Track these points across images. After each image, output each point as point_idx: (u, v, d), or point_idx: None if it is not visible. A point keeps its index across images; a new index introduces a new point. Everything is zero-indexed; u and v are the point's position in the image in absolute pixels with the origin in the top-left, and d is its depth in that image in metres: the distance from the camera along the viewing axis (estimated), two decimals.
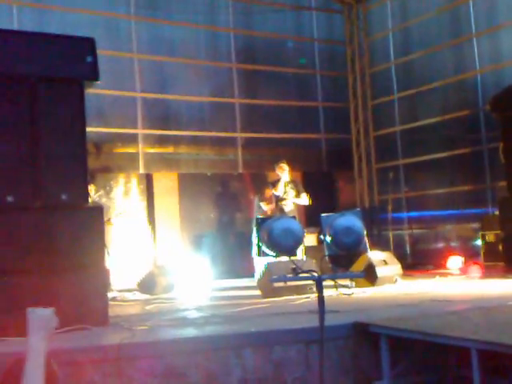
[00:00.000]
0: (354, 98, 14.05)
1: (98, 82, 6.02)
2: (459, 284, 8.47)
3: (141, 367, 4.54)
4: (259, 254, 8.97)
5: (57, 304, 5.25)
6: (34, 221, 5.59)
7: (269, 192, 10.39)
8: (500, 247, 9.26)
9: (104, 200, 10.83)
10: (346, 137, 14.00)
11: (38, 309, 3.47)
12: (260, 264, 8.77)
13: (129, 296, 8.52)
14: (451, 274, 9.81)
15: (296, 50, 13.71)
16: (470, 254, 10.46)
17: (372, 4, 13.93)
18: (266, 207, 10.21)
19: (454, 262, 10.40)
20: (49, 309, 3.45)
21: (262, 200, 10.51)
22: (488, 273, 9.22)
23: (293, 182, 10.04)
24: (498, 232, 9.33)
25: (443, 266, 10.58)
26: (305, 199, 9.92)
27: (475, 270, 9.46)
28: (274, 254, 8.38)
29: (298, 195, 9.97)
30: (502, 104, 9.33)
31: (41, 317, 3.39)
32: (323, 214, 8.89)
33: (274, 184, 9.97)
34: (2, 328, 4.96)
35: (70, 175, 5.80)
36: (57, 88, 5.80)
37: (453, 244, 11.95)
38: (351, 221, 8.58)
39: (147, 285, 8.77)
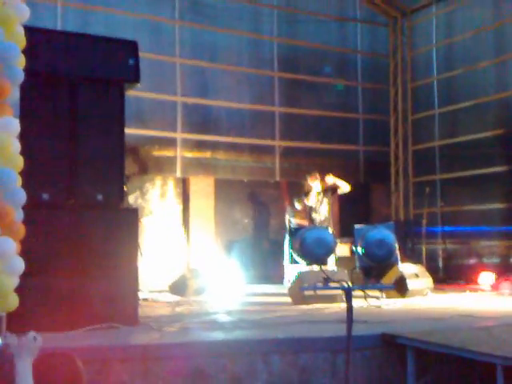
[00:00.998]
0: (394, 111, 13.99)
1: (139, 85, 6.10)
2: (489, 300, 8.43)
3: (168, 367, 4.59)
4: (291, 262, 9.02)
5: (87, 302, 5.40)
6: (68, 220, 5.61)
7: (300, 204, 10.47)
8: None
9: (139, 201, 10.95)
10: (385, 149, 13.94)
11: (15, 335, 3.50)
12: (291, 272, 8.80)
13: (159, 297, 8.59)
14: (482, 290, 9.75)
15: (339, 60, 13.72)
16: (502, 271, 10.37)
17: (417, 18, 13.89)
18: (298, 221, 10.29)
19: (486, 278, 10.33)
20: (30, 333, 3.50)
21: (293, 214, 10.59)
22: None
23: (326, 190, 10.03)
24: None
25: (475, 282, 10.51)
26: (345, 187, 9.91)
27: (506, 287, 9.40)
28: (305, 263, 8.41)
29: (329, 203, 10.00)
30: None
31: (25, 342, 3.43)
32: (357, 226, 8.90)
33: (306, 194, 10.00)
34: (33, 324, 5.01)
35: (107, 176, 5.85)
36: (97, 89, 5.88)
37: (485, 260, 11.85)
38: (384, 233, 8.59)
39: (179, 287, 8.85)
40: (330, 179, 9.97)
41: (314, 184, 9.91)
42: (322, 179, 9.98)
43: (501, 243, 11.58)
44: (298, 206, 10.64)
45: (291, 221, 10.62)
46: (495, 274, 10.35)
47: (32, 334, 3.41)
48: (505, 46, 12.01)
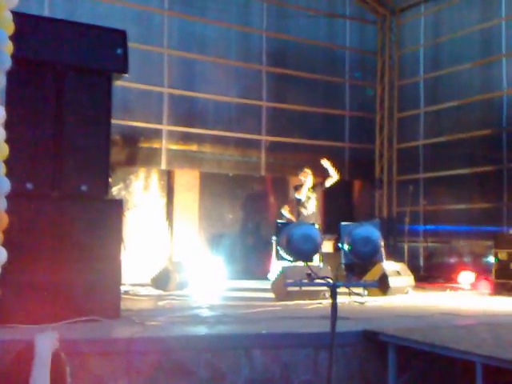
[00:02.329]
0: (380, 109, 14.03)
1: (127, 75, 6.05)
2: (469, 299, 8.52)
3: (150, 362, 4.57)
4: (277, 258, 9.03)
5: (69, 295, 5.35)
6: (52, 210, 5.54)
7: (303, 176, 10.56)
8: (511, 265, 9.30)
9: (123, 193, 10.89)
10: (370, 147, 13.99)
11: (46, 334, 3.49)
12: (276, 267, 8.80)
13: (142, 291, 8.55)
14: (462, 289, 9.90)
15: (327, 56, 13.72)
16: (482, 271, 10.50)
17: (406, 17, 13.94)
18: (290, 215, 10.39)
19: (466, 277, 10.50)
20: (53, 333, 3.49)
21: (286, 208, 10.66)
22: (498, 290, 9.25)
23: (315, 186, 10.15)
24: (511, 250, 9.36)
25: (455, 281, 10.64)
26: (334, 175, 10.14)
27: (485, 286, 9.55)
28: (291, 259, 8.42)
29: (318, 198, 10.11)
30: None
31: (48, 342, 3.44)
32: (343, 223, 8.91)
33: (297, 188, 10.09)
34: (17, 316, 4.99)
35: (92, 166, 5.79)
36: (84, 78, 5.81)
37: (465, 259, 11.99)
38: (370, 231, 8.60)
39: (161, 280, 8.81)
40: (326, 163, 10.08)
41: (307, 179, 9.98)
42: (313, 174, 10.06)
43: (481, 243, 11.67)
44: (285, 213, 10.70)
45: (282, 213, 10.67)
46: (475, 273, 10.48)
47: (55, 333, 3.41)
48: (491, 46, 12.09)
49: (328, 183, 10.25)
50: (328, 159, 10.23)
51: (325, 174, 10.25)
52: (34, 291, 5.23)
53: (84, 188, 5.72)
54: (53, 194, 5.63)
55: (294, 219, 10.27)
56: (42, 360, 3.36)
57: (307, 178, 10.03)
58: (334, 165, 10.39)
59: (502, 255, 9.64)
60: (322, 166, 10.28)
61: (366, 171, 13.90)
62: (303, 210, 10.07)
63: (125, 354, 4.51)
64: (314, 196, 10.15)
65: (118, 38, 5.95)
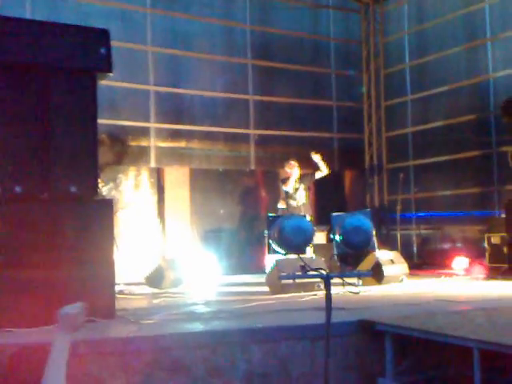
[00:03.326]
0: (367, 98, 14.04)
1: (111, 74, 6.02)
2: (463, 284, 8.52)
3: (147, 360, 4.56)
4: (269, 252, 9.03)
5: (63, 296, 5.33)
6: (42, 212, 5.51)
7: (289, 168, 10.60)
8: (505, 249, 9.35)
9: (113, 193, 10.85)
10: (359, 137, 14.01)
11: (69, 306, 3.48)
12: (270, 261, 8.81)
13: (136, 290, 8.52)
14: (456, 275, 9.90)
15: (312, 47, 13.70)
16: (476, 256, 10.53)
17: (389, 5, 13.93)
18: (284, 206, 10.42)
19: (460, 262, 10.51)
20: (78, 305, 3.47)
21: (282, 202, 10.68)
22: (492, 274, 9.30)
23: (303, 176, 10.14)
24: (504, 234, 9.42)
25: (449, 267, 10.66)
26: (324, 169, 10.13)
27: (479, 271, 9.58)
28: (284, 252, 8.42)
29: (306, 188, 10.14)
30: None
31: (70, 315, 3.42)
32: (334, 214, 8.94)
33: (284, 181, 10.11)
34: (9, 320, 4.97)
35: (80, 167, 5.75)
36: (69, 79, 5.76)
37: (459, 245, 12.02)
38: (361, 221, 8.64)
39: (155, 279, 8.77)
40: (316, 157, 10.07)
41: (293, 171, 9.99)
42: (299, 166, 10.06)
43: (473, 228, 11.72)
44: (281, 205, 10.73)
45: (278, 206, 10.69)
46: (469, 258, 10.51)
47: (80, 305, 3.39)
48: (476, 31, 12.11)
49: (318, 176, 10.28)
50: (318, 153, 10.23)
51: (315, 167, 10.27)
52: (27, 293, 5.20)
53: (73, 189, 5.69)
54: (42, 197, 5.60)
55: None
56: (56, 361, 3.34)
57: (293, 169, 10.06)
58: (324, 157, 10.41)
59: (495, 239, 9.69)
60: (311, 158, 10.30)
61: (355, 161, 13.92)
62: (292, 202, 10.10)
63: (121, 353, 4.50)
64: (302, 187, 10.16)
65: (101, 37, 5.90)
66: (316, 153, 10.19)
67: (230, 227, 12.20)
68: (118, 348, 4.53)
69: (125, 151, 11.37)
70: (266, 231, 9.19)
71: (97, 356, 4.44)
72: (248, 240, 11.88)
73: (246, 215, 12.38)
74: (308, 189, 10.40)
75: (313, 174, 10.31)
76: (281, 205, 10.71)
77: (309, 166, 10.47)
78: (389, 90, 13.94)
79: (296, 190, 10.12)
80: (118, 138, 11.26)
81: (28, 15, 10.21)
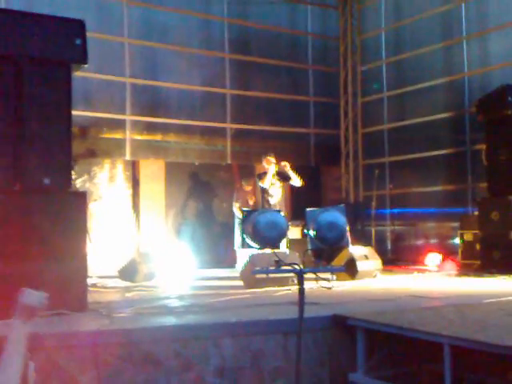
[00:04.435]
0: (344, 94, 14.08)
1: (86, 65, 5.97)
2: (436, 280, 8.62)
3: (118, 354, 4.53)
4: (243, 246, 9.02)
5: (35, 288, 5.27)
6: (14, 204, 5.46)
7: (245, 188, 10.52)
8: (477, 246, 9.47)
9: (88, 185, 10.76)
10: (335, 132, 14.05)
11: (30, 293, 3.43)
12: (243, 255, 8.80)
13: (109, 283, 8.47)
14: (429, 271, 10.00)
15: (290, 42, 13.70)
16: (449, 252, 10.65)
17: (367, 2, 13.98)
18: (239, 212, 10.33)
19: (433, 258, 10.63)
20: (41, 293, 3.43)
21: (236, 205, 10.63)
22: (464, 271, 9.42)
23: (280, 172, 10.00)
24: (477, 231, 9.54)
25: (422, 263, 10.76)
26: (297, 181, 9.91)
27: (451, 267, 9.67)
28: (258, 247, 8.42)
29: (285, 186, 10.06)
30: (487, 107, 9.49)
31: (31, 299, 3.38)
32: (308, 209, 8.95)
33: (261, 176, 9.98)
34: None
35: (54, 159, 5.70)
36: (44, 69, 5.71)
37: (432, 241, 12.14)
38: (335, 216, 8.66)
39: (129, 272, 8.73)
40: (286, 167, 9.90)
41: (270, 167, 9.86)
42: (278, 162, 9.95)
43: (447, 224, 11.85)
44: (246, 186, 10.68)
45: (234, 206, 10.64)
46: (442, 254, 10.62)
47: (43, 294, 3.35)
48: (452, 29, 12.20)
49: (291, 183, 10.06)
50: (289, 162, 9.82)
51: (286, 178, 9.96)
52: None
53: (47, 181, 5.65)
54: (15, 188, 5.54)
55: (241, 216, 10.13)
56: (12, 351, 3.30)
57: (271, 165, 9.91)
58: (300, 153, 10.32)
59: (468, 236, 9.82)
60: (288, 152, 10.22)
61: (332, 156, 13.97)
62: (270, 199, 9.99)
63: (92, 346, 4.46)
64: (278, 184, 10.03)
65: (77, 28, 5.85)
66: (286, 164, 9.84)
67: (205, 221, 12.18)
68: (89, 341, 4.49)
69: (99, 144, 11.26)
70: (237, 226, 9.15)
71: (67, 349, 4.40)
72: (223, 234, 11.87)
73: (221, 209, 12.36)
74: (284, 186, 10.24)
75: (288, 178, 9.96)
76: (235, 208, 10.64)
77: (285, 161, 10.35)
78: (365, 86, 14.00)
79: (272, 185, 10.01)
80: (94, 130, 11.17)
81: (2, 5, 10.06)
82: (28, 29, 5.68)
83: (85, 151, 10.83)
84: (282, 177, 9.95)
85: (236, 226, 10.66)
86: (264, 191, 10.04)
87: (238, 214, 10.49)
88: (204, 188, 12.36)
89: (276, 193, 10.04)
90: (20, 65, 5.61)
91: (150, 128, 11.90)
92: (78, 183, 10.51)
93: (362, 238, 11.11)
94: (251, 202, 10.62)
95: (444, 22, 12.40)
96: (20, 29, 5.64)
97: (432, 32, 12.55)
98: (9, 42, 5.55)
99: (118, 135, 11.52)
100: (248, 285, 7.62)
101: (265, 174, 9.92)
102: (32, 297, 3.40)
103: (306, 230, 8.83)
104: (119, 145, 11.50)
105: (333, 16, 14.24)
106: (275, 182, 10.00)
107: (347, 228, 8.68)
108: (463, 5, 11.82)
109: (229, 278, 9.02)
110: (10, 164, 5.51)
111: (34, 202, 5.57)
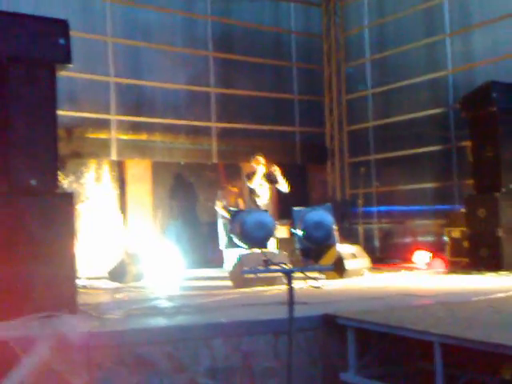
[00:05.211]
0: (329, 92, 14.10)
1: (71, 65, 5.92)
2: (424, 278, 8.64)
3: (109, 356, 4.52)
4: (231, 246, 9.01)
5: (24, 290, 5.25)
6: (2, 205, 5.44)
7: (231, 190, 10.47)
8: (465, 243, 9.49)
9: (74, 186, 10.70)
10: (320, 130, 14.06)
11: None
12: (231, 255, 8.79)
13: (98, 284, 8.44)
14: (417, 269, 10.02)
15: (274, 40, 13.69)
16: (436, 250, 10.68)
17: None
18: (224, 212, 10.28)
19: (421, 256, 10.64)
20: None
21: (219, 198, 10.58)
22: (453, 268, 9.47)
23: (269, 174, 9.96)
24: (464, 229, 9.56)
25: (410, 261, 10.78)
26: (284, 186, 9.89)
27: (439, 265, 9.70)
28: (246, 246, 8.42)
29: (271, 188, 9.99)
30: (472, 104, 9.52)
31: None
32: (295, 208, 8.96)
33: (249, 176, 9.94)
34: None
35: (40, 160, 5.68)
36: (27, 70, 5.66)
37: (420, 239, 12.18)
38: (322, 215, 8.68)
39: (118, 273, 8.71)
40: (276, 172, 9.86)
41: (258, 167, 9.82)
42: (267, 163, 9.89)
43: (434, 222, 11.90)
44: (232, 188, 10.65)
45: (216, 205, 10.59)
46: (430, 252, 10.64)
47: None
48: (435, 26, 12.25)
49: (278, 187, 10.01)
50: (275, 161, 9.86)
51: (274, 181, 9.91)
52: None
53: (33, 182, 5.63)
54: (1, 190, 5.50)
55: (227, 214, 10.07)
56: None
57: (259, 165, 9.87)
58: (286, 151, 10.30)
59: (455, 233, 9.85)
60: (274, 151, 10.18)
61: (317, 155, 13.98)
62: (257, 199, 9.94)
63: (84, 348, 4.44)
64: (267, 185, 9.98)
65: (60, 27, 5.82)
66: (275, 168, 9.83)
67: (193, 221, 12.15)
68: (80, 343, 4.46)
69: (85, 144, 11.19)
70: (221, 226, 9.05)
71: (59, 351, 4.37)
72: (210, 234, 11.83)
73: (208, 209, 12.31)
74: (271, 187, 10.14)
75: (275, 182, 9.89)
76: (218, 208, 10.59)
77: (271, 160, 10.34)
78: (350, 84, 14.03)
79: (261, 186, 9.96)
80: (79, 130, 11.09)
81: None
82: (11, 29, 5.64)
83: (71, 152, 10.75)
84: (270, 179, 9.91)
85: (219, 226, 10.62)
86: (251, 191, 10.00)
87: (222, 213, 10.44)
88: (190, 187, 12.32)
89: (263, 194, 10.00)
90: (3, 65, 5.57)
91: (136, 128, 11.84)
92: (65, 184, 10.43)
93: (349, 237, 11.14)
94: (241, 205, 10.51)
95: (427, 19, 12.45)
96: (3, 29, 5.60)
97: (415, 29, 12.60)
98: None
99: (103, 135, 11.45)
100: (237, 285, 7.62)
101: (253, 174, 9.88)
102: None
103: (293, 230, 8.83)
104: (105, 145, 11.42)
105: (316, 13, 14.25)
106: (263, 182, 9.96)
107: (334, 227, 8.70)
108: (446, 1, 11.86)
109: (217, 278, 9.00)
110: None
111: (22, 204, 5.55)
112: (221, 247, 10.39)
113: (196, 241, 11.74)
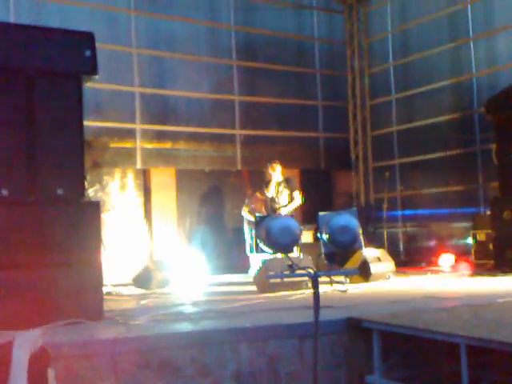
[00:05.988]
0: (352, 97, 14.11)
1: (97, 77, 6.02)
2: (450, 281, 8.59)
3: (135, 361, 4.55)
4: (257, 251, 9.04)
5: (51, 298, 5.33)
6: (29, 215, 5.50)
7: (258, 196, 10.47)
8: (490, 246, 9.45)
9: (100, 195, 10.83)
10: (344, 136, 14.06)
11: (26, 332, 3.47)
12: (256, 260, 8.81)
13: (124, 291, 8.51)
14: (442, 272, 9.97)
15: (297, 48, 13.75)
16: (462, 252, 10.63)
17: (372, 5, 14.01)
18: (250, 216, 10.28)
19: (446, 259, 10.59)
20: (36, 331, 3.46)
21: (248, 208, 10.59)
22: (478, 270, 9.41)
23: (285, 181, 9.96)
24: (489, 231, 9.52)
25: (435, 264, 10.73)
26: (297, 199, 9.89)
27: (464, 267, 9.65)
28: (272, 251, 8.44)
29: (290, 194, 9.95)
30: (497, 107, 9.51)
31: (27, 339, 3.42)
32: (320, 213, 8.97)
33: (266, 185, 9.95)
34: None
35: (67, 169, 5.74)
36: (55, 82, 5.74)
37: (445, 242, 12.09)
38: (347, 220, 8.67)
39: (143, 279, 8.78)
40: (292, 182, 9.87)
41: (274, 174, 9.84)
42: (283, 170, 9.89)
43: (459, 225, 11.83)
44: (260, 195, 10.68)
45: (243, 210, 10.63)
46: (455, 255, 10.60)
47: (37, 331, 3.37)
48: (459, 30, 12.23)
49: (291, 206, 9.95)
50: (299, 166, 9.84)
51: (301, 167, 9.93)
52: (15, 296, 5.20)
53: (60, 191, 5.69)
54: (29, 199, 5.59)
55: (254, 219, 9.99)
56: (19, 362, 3.34)
57: (275, 171, 9.85)
58: (310, 157, 10.31)
59: (481, 236, 9.80)
60: (298, 157, 10.17)
61: (342, 160, 13.98)
62: (275, 206, 9.89)
63: (110, 354, 4.48)
64: (286, 192, 9.94)
65: (86, 39, 5.90)
66: (291, 178, 9.91)
67: (217, 227, 12.21)
68: (106, 349, 4.53)
69: (110, 153, 11.33)
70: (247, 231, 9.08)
71: (85, 357, 4.43)
72: (235, 240, 11.89)
73: (233, 215, 12.38)
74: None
75: (294, 188, 9.92)
76: (244, 213, 10.61)
77: (295, 166, 10.31)
78: (373, 89, 14.02)
79: (278, 193, 9.95)
80: (105, 140, 11.24)
81: (12, 19, 10.18)
82: (38, 42, 5.72)
83: (96, 162, 10.90)
84: (289, 185, 9.91)
85: (245, 231, 10.66)
86: (271, 200, 9.97)
87: (248, 217, 10.48)
88: (215, 194, 12.39)
89: (282, 201, 9.97)
90: (31, 78, 5.66)
91: (160, 136, 11.98)
92: (91, 193, 10.57)
93: (374, 241, 11.12)
94: (248, 216, 10.53)
95: (450, 23, 12.42)
96: (30, 42, 5.68)
97: (439, 33, 12.57)
98: (19, 56, 5.60)
99: (128, 144, 11.60)
100: (262, 290, 7.63)
101: (269, 182, 9.89)
102: (26, 337, 3.43)
103: (318, 234, 8.84)
104: (130, 154, 11.57)
105: (339, 20, 14.28)
106: (282, 189, 9.95)
107: (360, 231, 8.69)
108: (469, 6, 11.85)
109: (242, 283, 9.04)
110: (23, 176, 5.55)
111: (49, 213, 5.61)
112: (247, 253, 10.44)
113: (221, 247, 11.79)
